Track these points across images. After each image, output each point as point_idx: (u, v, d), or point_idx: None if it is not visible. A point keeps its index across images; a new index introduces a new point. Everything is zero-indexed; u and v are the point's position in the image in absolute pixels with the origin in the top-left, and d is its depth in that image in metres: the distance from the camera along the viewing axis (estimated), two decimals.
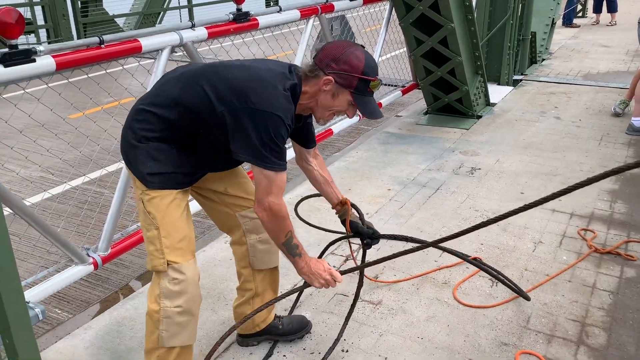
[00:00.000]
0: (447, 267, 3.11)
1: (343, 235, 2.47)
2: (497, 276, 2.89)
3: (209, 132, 1.94)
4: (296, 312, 2.74)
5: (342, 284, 2.93)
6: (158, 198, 1.94)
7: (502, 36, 6.78)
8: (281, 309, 2.76)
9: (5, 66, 2.14)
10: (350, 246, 2.65)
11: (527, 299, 2.78)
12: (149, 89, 2.84)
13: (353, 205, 2.35)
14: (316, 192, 2.44)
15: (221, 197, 2.22)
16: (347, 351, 2.47)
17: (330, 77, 1.90)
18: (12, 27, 2.06)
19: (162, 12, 11.76)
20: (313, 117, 2.16)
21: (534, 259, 3.18)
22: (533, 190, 4.09)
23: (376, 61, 2.07)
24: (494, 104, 6.33)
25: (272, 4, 14.99)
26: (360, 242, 2.39)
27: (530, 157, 4.75)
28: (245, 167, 4.08)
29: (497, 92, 6.73)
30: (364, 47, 1.99)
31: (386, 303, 2.81)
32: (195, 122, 1.92)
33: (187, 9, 12.71)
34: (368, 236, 2.33)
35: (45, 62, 2.29)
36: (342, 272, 2.17)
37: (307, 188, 3.91)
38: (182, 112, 1.91)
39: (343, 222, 2.35)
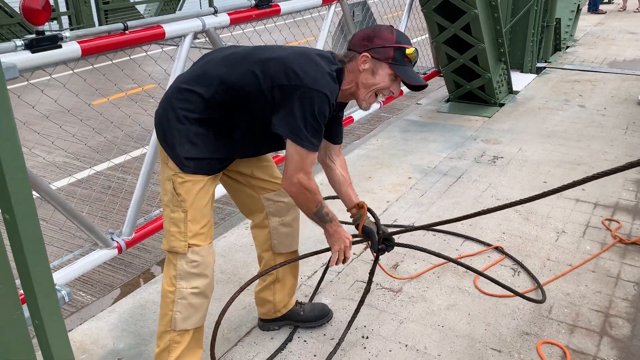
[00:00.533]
0: (468, 255, 3.09)
1: (358, 239, 2.39)
2: (520, 263, 2.87)
3: (250, 112, 1.95)
4: (316, 299, 2.75)
5: (363, 271, 2.95)
6: (190, 183, 1.96)
7: (526, 23, 6.67)
8: (302, 295, 2.78)
9: (33, 52, 2.17)
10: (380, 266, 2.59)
11: (541, 301, 2.64)
12: (175, 73, 2.86)
13: (369, 210, 2.28)
14: (333, 194, 2.40)
15: (247, 180, 2.23)
16: (367, 338, 2.48)
17: (366, 54, 1.94)
18: (39, 14, 2.08)
19: None
20: (343, 112, 2.21)
21: (557, 249, 3.14)
22: (556, 179, 4.03)
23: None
24: (516, 92, 6.24)
25: None
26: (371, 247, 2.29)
27: (554, 145, 4.69)
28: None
29: (520, 80, 6.64)
30: (391, 26, 2.02)
31: (406, 291, 2.81)
32: (238, 102, 1.94)
33: None
34: (384, 241, 2.26)
35: (71, 48, 2.31)
36: (355, 242, 2.26)
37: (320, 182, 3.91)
38: (227, 92, 1.92)
39: (357, 227, 2.28)
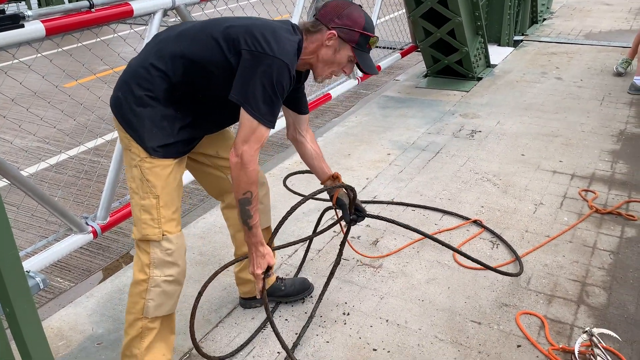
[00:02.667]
0: (447, 230, 3.10)
1: (330, 206, 2.41)
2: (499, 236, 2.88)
3: (214, 85, 1.90)
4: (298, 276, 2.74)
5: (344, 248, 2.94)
6: (159, 167, 1.91)
7: None
8: (283, 274, 2.76)
9: None
10: (337, 215, 2.57)
11: (518, 274, 2.68)
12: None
13: (345, 186, 2.29)
14: (305, 167, 2.41)
15: (213, 160, 2.19)
16: (348, 314, 2.48)
17: (333, 32, 1.93)
18: None
19: None
20: (304, 84, 2.19)
21: (535, 221, 3.17)
22: (534, 151, 4.06)
23: (374, 23, 2.09)
24: (494, 66, 6.25)
25: None
26: (343, 220, 2.35)
27: (531, 118, 4.70)
28: None
29: (497, 53, 6.64)
30: (361, 7, 2.01)
31: (387, 266, 2.81)
32: (201, 76, 1.88)
33: None
34: (356, 212, 2.32)
35: (34, 27, 2.23)
36: (274, 249, 2.23)
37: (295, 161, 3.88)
38: (189, 67, 1.87)
39: (330, 196, 2.33)
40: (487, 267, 2.58)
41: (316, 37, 1.96)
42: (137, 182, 1.93)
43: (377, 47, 2.31)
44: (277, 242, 3.01)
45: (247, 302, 2.54)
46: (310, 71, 2.08)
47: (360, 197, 3.49)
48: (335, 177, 2.31)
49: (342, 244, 2.45)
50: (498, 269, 2.64)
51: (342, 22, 1.93)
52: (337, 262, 2.48)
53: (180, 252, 1.98)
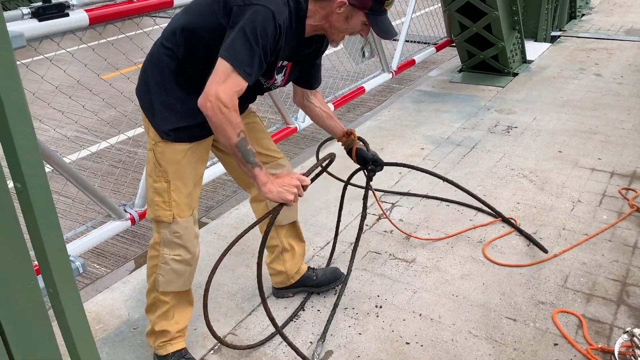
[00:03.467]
0: (482, 225, 3.06)
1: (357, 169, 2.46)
2: (528, 235, 2.83)
3: (214, 55, 1.75)
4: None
5: (375, 242, 2.94)
6: (171, 152, 1.92)
7: None
8: (315, 265, 2.77)
9: (40, 20, 2.14)
10: (374, 193, 2.61)
11: (545, 250, 2.79)
12: None
13: (359, 138, 2.35)
14: (328, 136, 2.45)
15: None
16: (380, 307, 2.48)
17: (344, 0, 1.82)
18: None
19: None
20: (320, 58, 2.15)
21: (573, 218, 3.10)
22: (571, 148, 3.97)
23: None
24: (530, 61, 6.12)
25: None
26: (365, 171, 2.40)
27: (569, 115, 4.60)
28: (271, 128, 4.05)
29: (534, 49, 6.50)
30: None
31: (420, 261, 2.79)
32: (201, 47, 1.81)
33: None
34: (373, 162, 2.33)
35: (78, 17, 2.28)
36: (308, 176, 1.97)
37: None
38: (188, 38, 1.83)
39: (349, 152, 2.35)
40: (512, 226, 2.56)
41: (327, 3, 1.84)
42: (151, 165, 1.96)
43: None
44: (310, 233, 3.03)
45: (279, 292, 2.55)
46: (328, 41, 2.01)
47: (394, 190, 3.48)
48: (349, 134, 2.33)
49: (366, 197, 2.45)
50: (530, 236, 2.61)
51: None
52: (363, 215, 2.47)
53: (188, 235, 2.01)
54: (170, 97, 1.89)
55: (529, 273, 2.66)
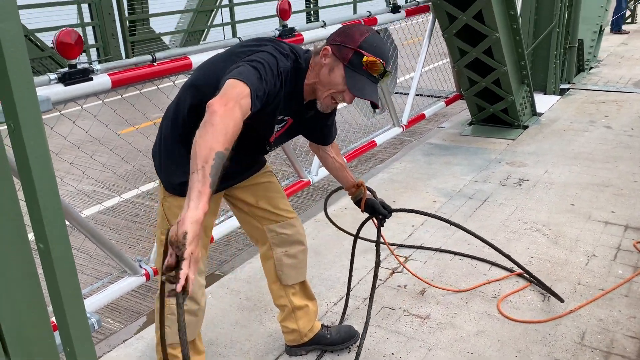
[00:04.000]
0: (496, 280, 3.05)
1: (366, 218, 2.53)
2: (545, 286, 2.81)
3: None
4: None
5: (389, 297, 2.93)
6: (177, 206, 1.96)
7: (548, 44, 6.65)
8: (327, 322, 2.76)
9: (65, 85, 2.24)
10: (385, 241, 2.68)
11: (561, 300, 2.79)
12: None
13: (368, 188, 2.41)
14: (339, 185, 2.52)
15: (252, 209, 2.24)
16: None
17: (328, 48, 1.80)
18: (72, 48, 2.16)
19: (206, 30, 12.05)
20: (333, 118, 2.21)
21: (588, 273, 3.08)
22: (584, 202, 3.97)
23: (388, 53, 1.87)
24: (540, 114, 6.20)
25: (312, 19, 15.15)
26: (374, 219, 2.45)
27: (580, 167, 4.62)
28: (285, 182, 4.10)
29: (543, 102, 6.59)
30: (378, 33, 2.00)
31: (434, 317, 2.77)
32: (205, 101, 1.62)
33: (230, 26, 12.99)
34: (383, 213, 2.38)
35: (101, 80, 2.39)
36: None
37: (340, 207, 3.91)
38: (194, 94, 1.87)
39: (357, 203, 2.41)
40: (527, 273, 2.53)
41: (317, 57, 1.85)
42: (160, 218, 2.05)
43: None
44: (322, 288, 3.03)
45: (292, 350, 2.54)
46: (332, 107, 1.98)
47: (406, 244, 3.48)
48: (359, 185, 2.39)
49: (378, 243, 2.47)
50: (546, 286, 2.57)
51: (340, 38, 1.81)
52: (376, 262, 2.48)
53: (193, 286, 1.98)
54: (175, 151, 1.95)
55: (544, 329, 2.62)
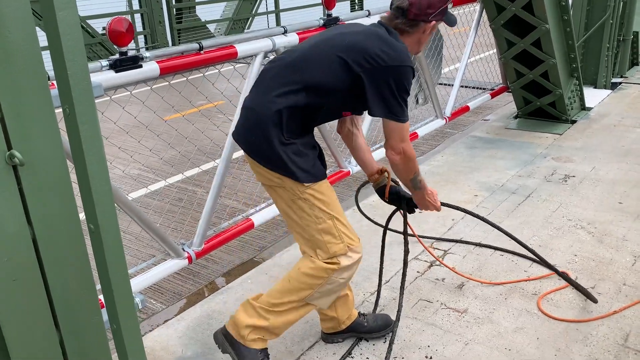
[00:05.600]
0: (537, 278, 2.99)
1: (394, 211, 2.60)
2: (583, 288, 2.75)
3: (333, 103, 2.07)
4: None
5: (427, 290, 2.93)
6: (319, 192, 2.06)
7: (601, 37, 6.42)
8: (364, 311, 2.77)
9: (116, 71, 2.31)
10: (413, 231, 2.75)
11: (594, 300, 2.74)
12: (245, 91, 2.94)
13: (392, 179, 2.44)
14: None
15: None
16: (431, 358, 2.45)
17: (434, 22, 2.14)
18: (123, 36, 2.23)
19: (251, 18, 12.15)
20: None
21: (634, 274, 2.99)
22: (633, 200, 3.84)
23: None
24: (589, 109, 6.01)
25: (356, 7, 15.06)
26: (401, 210, 2.50)
27: (630, 165, 4.47)
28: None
29: (593, 96, 6.38)
30: None
31: (472, 312, 2.75)
32: (324, 99, 2.04)
33: (274, 14, 13.04)
34: (408, 197, 2.44)
35: (150, 68, 2.45)
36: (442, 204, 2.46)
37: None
38: (311, 94, 2.00)
39: (378, 191, 2.45)
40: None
41: (416, 31, 2.13)
42: (307, 212, 2.07)
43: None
44: (359, 278, 3.04)
45: (329, 337, 2.57)
46: None
47: (446, 237, 3.46)
48: (382, 171, 2.42)
49: (406, 233, 2.53)
50: (579, 285, 2.52)
51: (435, 9, 2.11)
52: (405, 251, 2.54)
53: (359, 259, 2.17)
54: (299, 148, 2.03)
55: (586, 329, 2.57)
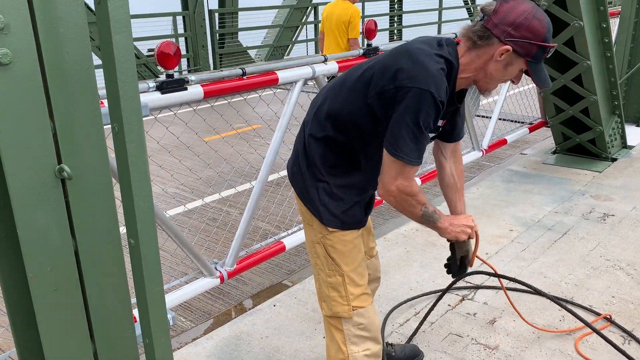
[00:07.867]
0: (579, 328, 2.91)
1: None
2: (629, 333, 2.65)
3: (364, 134, 1.80)
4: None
5: (457, 324, 2.88)
6: (341, 244, 1.87)
7: None
8: (392, 341, 2.74)
9: (162, 93, 2.40)
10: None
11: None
12: (285, 116, 2.98)
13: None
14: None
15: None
16: None
17: (508, 47, 1.67)
18: (171, 59, 2.31)
19: (291, 45, 12.39)
20: (464, 104, 1.99)
21: None
22: None
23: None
24: (631, 147, 5.88)
25: (395, 38, 15.19)
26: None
27: None
28: None
29: (636, 134, 6.24)
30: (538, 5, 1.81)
31: (503, 349, 2.69)
32: (350, 129, 1.81)
33: (313, 42, 13.26)
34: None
35: (195, 91, 2.54)
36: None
37: (412, 228, 3.86)
38: (336, 124, 1.82)
39: (452, 247, 2.12)
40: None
41: (484, 50, 1.71)
42: (321, 259, 1.91)
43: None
44: (388, 307, 3.01)
45: None
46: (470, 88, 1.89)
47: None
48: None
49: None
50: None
51: (519, 34, 1.65)
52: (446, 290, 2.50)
53: (373, 324, 1.95)
54: (331, 188, 1.85)
55: None
